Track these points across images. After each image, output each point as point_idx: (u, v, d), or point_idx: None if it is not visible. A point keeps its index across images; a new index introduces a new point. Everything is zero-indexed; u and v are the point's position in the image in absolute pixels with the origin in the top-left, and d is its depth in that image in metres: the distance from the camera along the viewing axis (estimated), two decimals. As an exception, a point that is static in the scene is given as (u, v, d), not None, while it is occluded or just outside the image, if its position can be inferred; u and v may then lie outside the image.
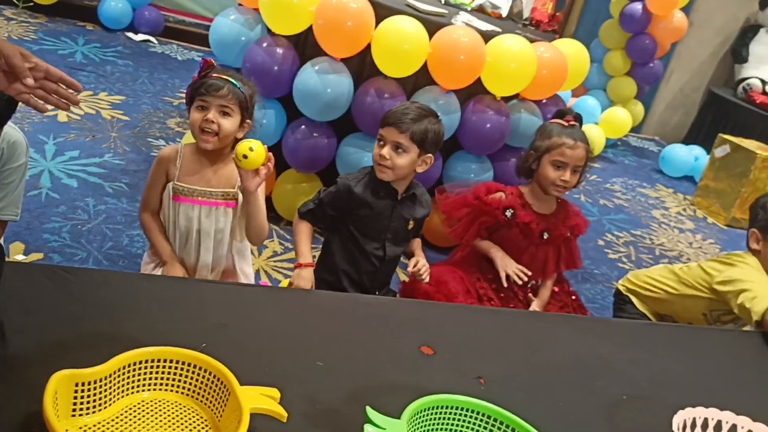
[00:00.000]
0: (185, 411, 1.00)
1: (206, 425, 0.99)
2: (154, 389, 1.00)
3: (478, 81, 2.83)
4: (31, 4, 4.87)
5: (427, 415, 1.03)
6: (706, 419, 1.20)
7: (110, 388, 0.95)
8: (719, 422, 1.21)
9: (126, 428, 0.94)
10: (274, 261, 2.78)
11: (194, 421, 0.99)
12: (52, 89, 1.17)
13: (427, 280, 1.94)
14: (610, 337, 1.61)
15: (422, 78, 2.83)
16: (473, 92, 2.91)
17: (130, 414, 0.97)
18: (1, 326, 1.05)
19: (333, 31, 2.68)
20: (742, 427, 1.21)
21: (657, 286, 2.39)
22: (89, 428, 0.92)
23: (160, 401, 1.00)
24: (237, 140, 1.77)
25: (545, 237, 2.15)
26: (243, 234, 1.86)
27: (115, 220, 2.70)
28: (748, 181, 4.64)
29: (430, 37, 2.73)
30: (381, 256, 1.93)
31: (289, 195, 2.97)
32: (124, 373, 0.97)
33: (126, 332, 1.11)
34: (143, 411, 0.98)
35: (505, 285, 2.09)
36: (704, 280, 2.24)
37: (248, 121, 1.80)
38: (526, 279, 2.09)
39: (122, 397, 0.97)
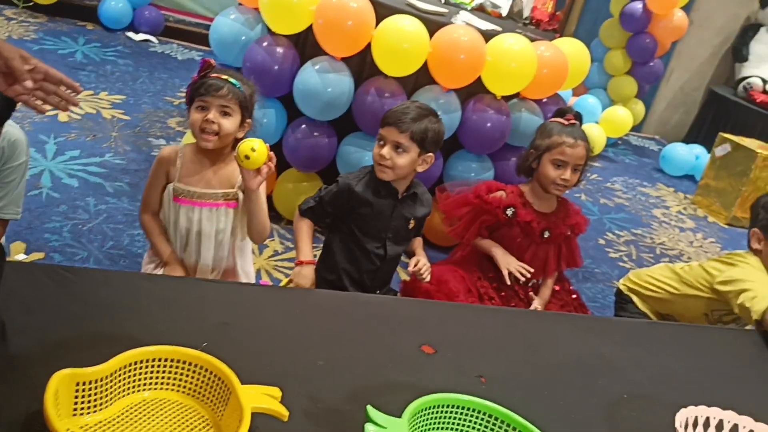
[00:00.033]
0: (186, 410, 1.00)
1: (207, 424, 0.99)
2: (155, 388, 1.00)
3: (479, 80, 2.83)
4: (32, 3, 4.87)
5: (428, 414, 1.03)
6: (708, 418, 1.20)
7: (111, 387, 0.95)
8: (720, 422, 1.21)
9: (127, 427, 0.94)
10: (275, 260, 2.78)
11: (195, 421, 0.99)
12: (51, 91, 1.17)
13: (427, 279, 1.94)
14: (611, 336, 1.61)
15: (422, 77, 2.82)
16: (473, 91, 2.91)
17: (131, 413, 0.97)
18: (3, 326, 1.04)
19: (333, 30, 2.68)
20: (744, 427, 1.22)
21: (658, 286, 2.38)
22: (90, 427, 0.92)
23: (161, 400, 1.00)
24: (237, 140, 1.77)
25: (546, 236, 2.15)
26: (244, 233, 1.86)
27: (116, 219, 2.71)
28: (749, 180, 4.64)
29: (431, 36, 2.73)
30: (382, 255, 1.93)
31: (290, 194, 2.97)
32: (125, 373, 0.97)
33: (127, 331, 1.11)
34: (144, 410, 0.98)
35: (509, 283, 2.09)
36: (705, 280, 2.24)
37: (248, 120, 1.80)
38: (528, 275, 2.09)
39: (123, 396, 0.98)
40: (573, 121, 2.12)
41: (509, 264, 2.09)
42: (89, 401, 0.93)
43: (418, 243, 2.07)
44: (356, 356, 1.26)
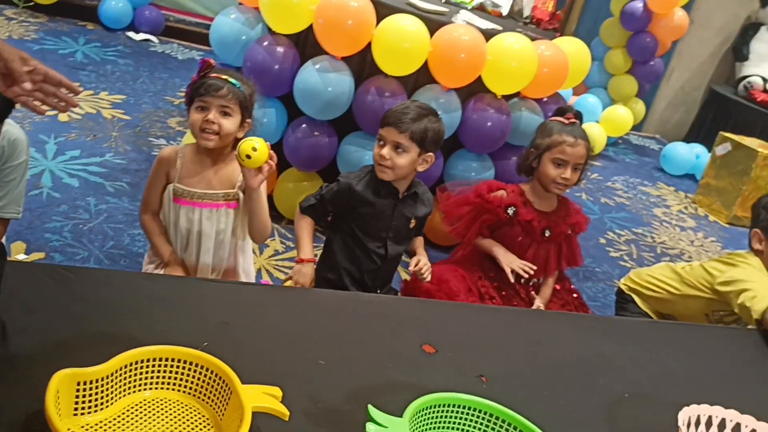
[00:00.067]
0: (187, 410, 1.00)
1: (208, 424, 0.99)
2: (156, 388, 1.00)
3: (479, 79, 2.83)
4: (32, 3, 4.87)
5: (429, 413, 1.03)
6: (710, 417, 1.19)
7: (112, 387, 0.95)
8: (723, 420, 1.21)
9: (128, 427, 0.94)
10: (276, 260, 2.78)
11: (196, 420, 0.99)
12: (50, 92, 1.17)
13: (428, 278, 1.94)
14: (612, 335, 1.60)
15: (423, 76, 2.82)
16: (474, 91, 2.90)
17: (132, 413, 0.97)
18: (3, 325, 1.05)
19: (333, 29, 2.68)
20: (746, 426, 1.21)
21: (659, 286, 2.38)
22: (91, 427, 0.92)
23: (161, 400, 1.00)
24: (237, 140, 1.76)
25: (547, 235, 2.15)
26: (245, 233, 1.85)
27: (117, 219, 2.71)
28: (749, 179, 4.64)
29: (431, 35, 2.72)
30: (382, 254, 1.93)
31: (291, 194, 2.97)
32: (125, 372, 0.97)
33: (128, 331, 1.11)
34: (145, 410, 0.98)
35: (512, 281, 2.09)
36: (706, 281, 2.23)
37: (248, 120, 1.80)
38: (531, 272, 2.09)
39: (124, 396, 0.98)
40: (573, 120, 2.12)
41: (512, 262, 2.09)
42: (90, 401, 0.93)
43: (419, 242, 2.07)
44: (357, 356, 1.26)
